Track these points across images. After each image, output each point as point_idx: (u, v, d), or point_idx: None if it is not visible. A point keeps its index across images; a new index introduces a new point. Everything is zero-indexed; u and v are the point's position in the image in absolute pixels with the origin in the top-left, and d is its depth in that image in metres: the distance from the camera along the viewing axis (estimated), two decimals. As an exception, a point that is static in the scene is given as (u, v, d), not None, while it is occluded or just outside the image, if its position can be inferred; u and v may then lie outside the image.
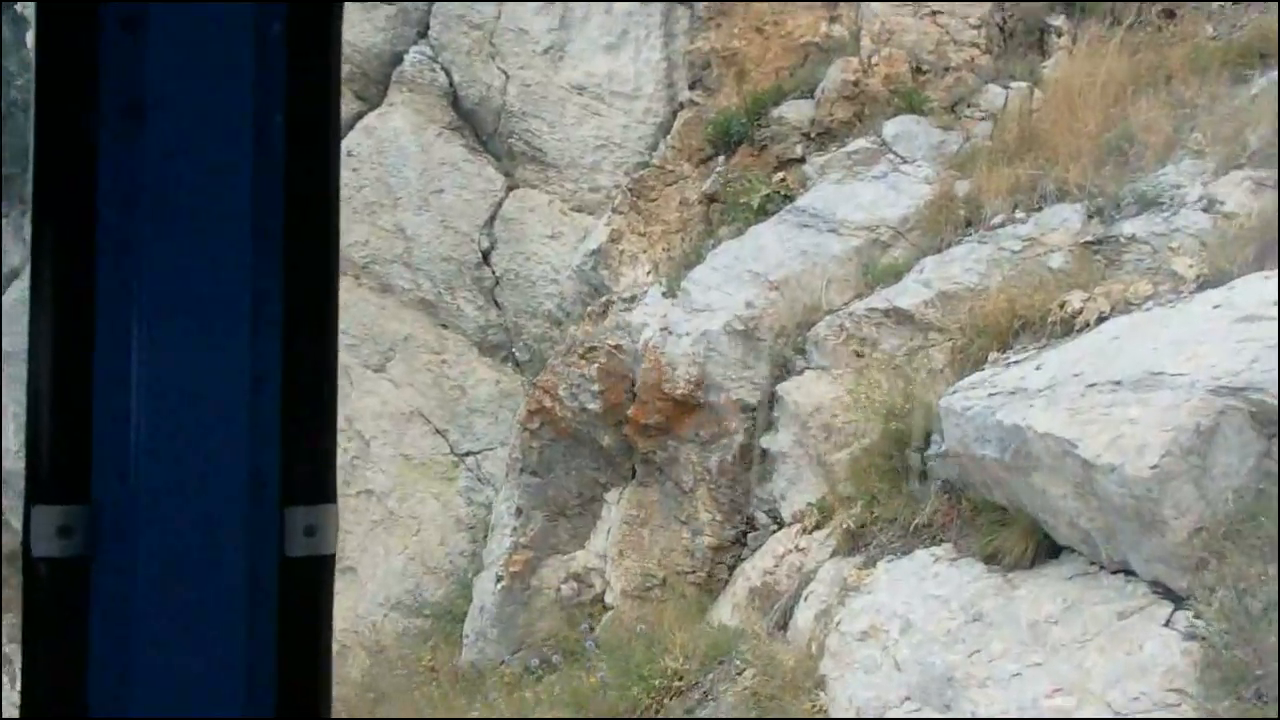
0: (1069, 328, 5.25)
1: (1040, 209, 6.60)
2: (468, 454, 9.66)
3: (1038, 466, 4.14)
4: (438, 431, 9.79)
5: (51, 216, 0.96)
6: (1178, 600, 3.43)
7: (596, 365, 7.37)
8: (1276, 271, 4.36)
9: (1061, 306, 5.30)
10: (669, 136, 8.92)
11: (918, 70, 8.10)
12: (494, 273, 9.72)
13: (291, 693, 1.00)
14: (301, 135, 0.98)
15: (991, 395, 4.75)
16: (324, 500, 1.05)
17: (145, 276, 0.95)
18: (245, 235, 0.96)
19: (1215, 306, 4.28)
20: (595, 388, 7.34)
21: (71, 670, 0.95)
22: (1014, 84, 7.87)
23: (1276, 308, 4.00)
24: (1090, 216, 6.10)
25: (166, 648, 0.96)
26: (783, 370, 6.76)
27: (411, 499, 9.63)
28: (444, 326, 9.90)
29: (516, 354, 9.82)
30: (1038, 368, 4.81)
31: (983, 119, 7.85)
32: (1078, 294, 5.28)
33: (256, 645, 0.98)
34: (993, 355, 5.56)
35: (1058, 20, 8.07)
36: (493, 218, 9.73)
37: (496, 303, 9.77)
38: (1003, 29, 8.26)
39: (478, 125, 9.86)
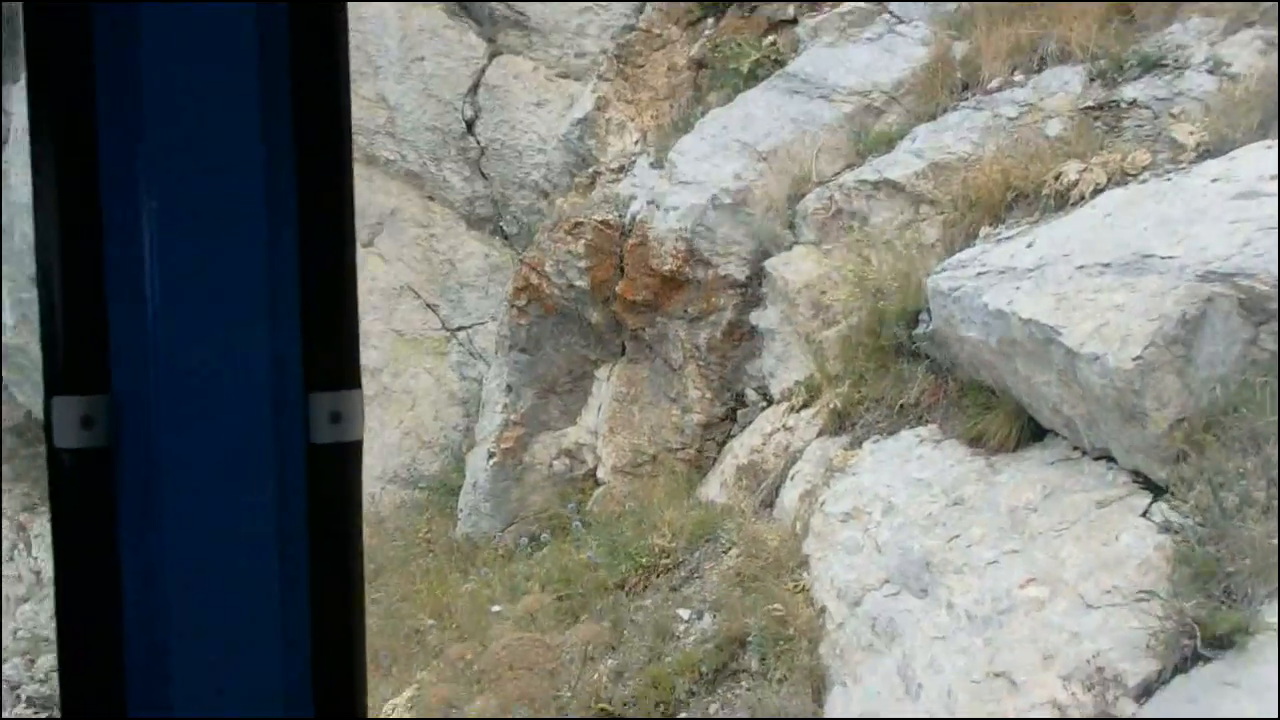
0: (1064, 200, 5.08)
1: (1040, 71, 6.31)
2: (459, 329, 9.61)
3: (1022, 352, 4.05)
4: (428, 306, 9.72)
5: (49, 100, 0.92)
6: (1157, 491, 3.40)
7: (583, 241, 7.21)
8: (1278, 143, 4.17)
9: (1057, 178, 5.11)
10: (655, -2, 8.52)
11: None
12: (479, 143, 9.47)
13: (322, 578, 0.99)
14: (310, 114, 0.96)
15: (980, 275, 4.63)
16: (348, 386, 1.03)
17: (155, 162, 0.92)
18: (257, 124, 0.93)
19: (1213, 180, 4.10)
20: (582, 264, 7.21)
21: (101, 559, 0.94)
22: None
23: (1277, 181, 3.83)
24: (1091, 80, 5.83)
25: (195, 535, 0.95)
26: (771, 245, 6.60)
27: (405, 374, 9.63)
28: (430, 199, 9.71)
29: (505, 227, 9.66)
30: (1029, 245, 4.66)
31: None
32: (1074, 165, 5.08)
33: (287, 532, 0.97)
34: (985, 230, 5.41)
35: None
36: (476, 85, 9.42)
37: (483, 173, 9.55)
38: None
39: (457, -13, 9.43)
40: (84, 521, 0.95)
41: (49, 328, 0.95)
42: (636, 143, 8.28)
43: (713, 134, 7.13)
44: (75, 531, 0.96)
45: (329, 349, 1.02)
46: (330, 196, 1.00)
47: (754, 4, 7.88)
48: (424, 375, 9.66)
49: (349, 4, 1.01)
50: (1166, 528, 3.15)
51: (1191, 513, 3.08)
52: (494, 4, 9.28)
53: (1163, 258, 3.65)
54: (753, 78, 7.48)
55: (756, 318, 6.70)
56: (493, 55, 9.41)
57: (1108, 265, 3.87)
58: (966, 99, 6.57)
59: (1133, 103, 5.46)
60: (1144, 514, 3.31)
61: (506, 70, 9.33)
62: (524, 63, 9.28)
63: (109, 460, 0.95)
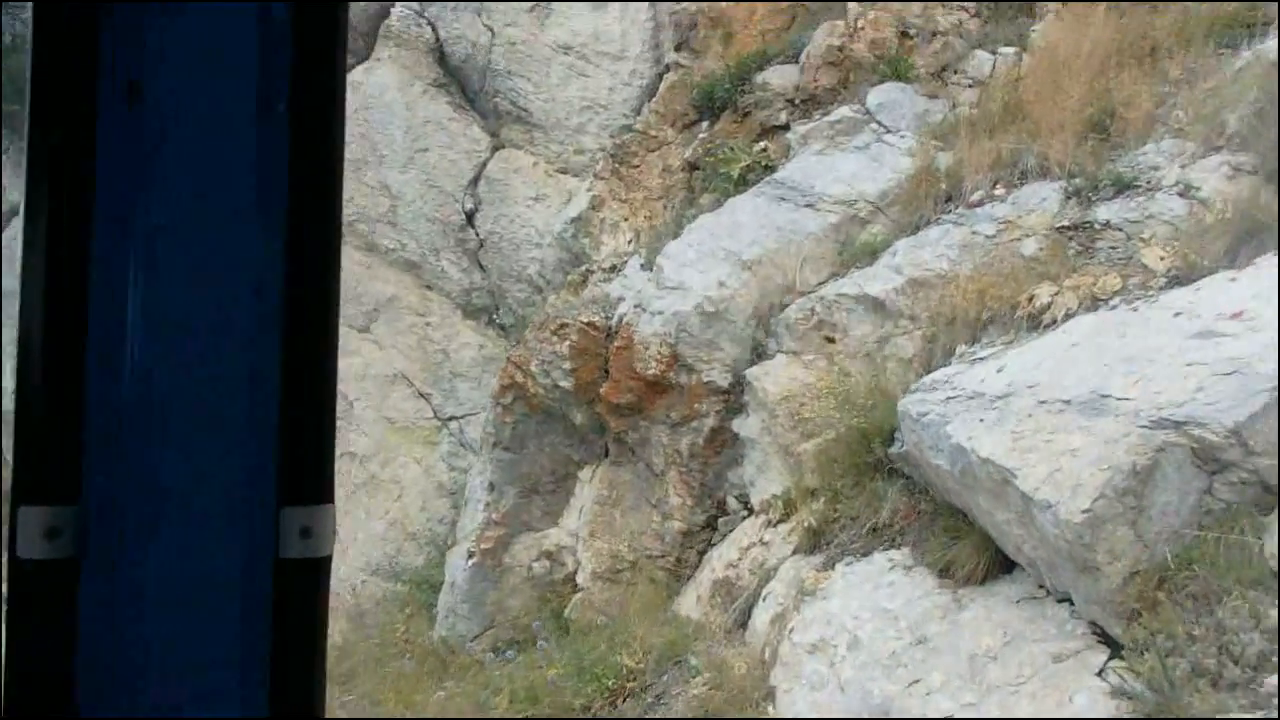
0: (1036, 323, 5.05)
1: (1020, 186, 6.35)
2: (450, 418, 9.60)
3: (983, 488, 3.99)
4: (421, 395, 9.72)
5: (45, 209, 0.90)
6: (1113, 647, 3.30)
7: (568, 342, 7.21)
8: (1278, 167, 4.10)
9: (1030, 300, 5.09)
10: (653, 100, 8.64)
11: (904, 35, 7.77)
12: (478, 234, 9.55)
13: (285, 696, 0.98)
14: (306, 124, 0.93)
15: (949, 399, 4.58)
16: (321, 501, 1.02)
17: (141, 271, 0.91)
18: (247, 229, 0.92)
19: (1175, 314, 4.07)
20: (567, 365, 7.20)
21: (58, 674, 0.92)
22: (1001, 50, 7.54)
23: (1248, 311, 3.79)
24: (1068, 198, 5.85)
25: (158, 651, 0.94)
26: (754, 353, 6.59)
27: (394, 463, 9.60)
28: (428, 288, 9.78)
29: (500, 318, 9.69)
30: (999, 370, 4.62)
31: (969, 86, 7.54)
32: (1046, 287, 5.06)
33: (250, 648, 0.96)
34: (961, 348, 5.38)
35: (1052, -18, 7.67)
36: (477, 178, 9.54)
37: (481, 265, 9.62)
38: (996, -10, 7.88)
39: (464, 82, 9.61)
40: (43, 634, 0.93)
41: (22, 435, 0.93)
42: (630, 242, 8.34)
43: (700, 240, 7.16)
44: (32, 644, 0.93)
45: (304, 463, 1.00)
46: (317, 307, 0.98)
47: (748, 109, 7.98)
48: (413, 465, 9.62)
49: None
50: (1121, 691, 3.05)
51: (1144, 679, 2.98)
52: (498, 99, 9.43)
53: (1119, 399, 3.60)
54: (743, 183, 7.54)
55: (738, 425, 6.65)
56: (495, 149, 9.54)
57: (1068, 402, 3.82)
58: (949, 211, 6.60)
59: (1106, 224, 5.47)
60: (1099, 673, 3.20)
61: (508, 164, 9.45)
62: (525, 157, 9.40)
63: (73, 572, 0.94)
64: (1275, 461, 3.02)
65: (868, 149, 7.30)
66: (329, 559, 1.05)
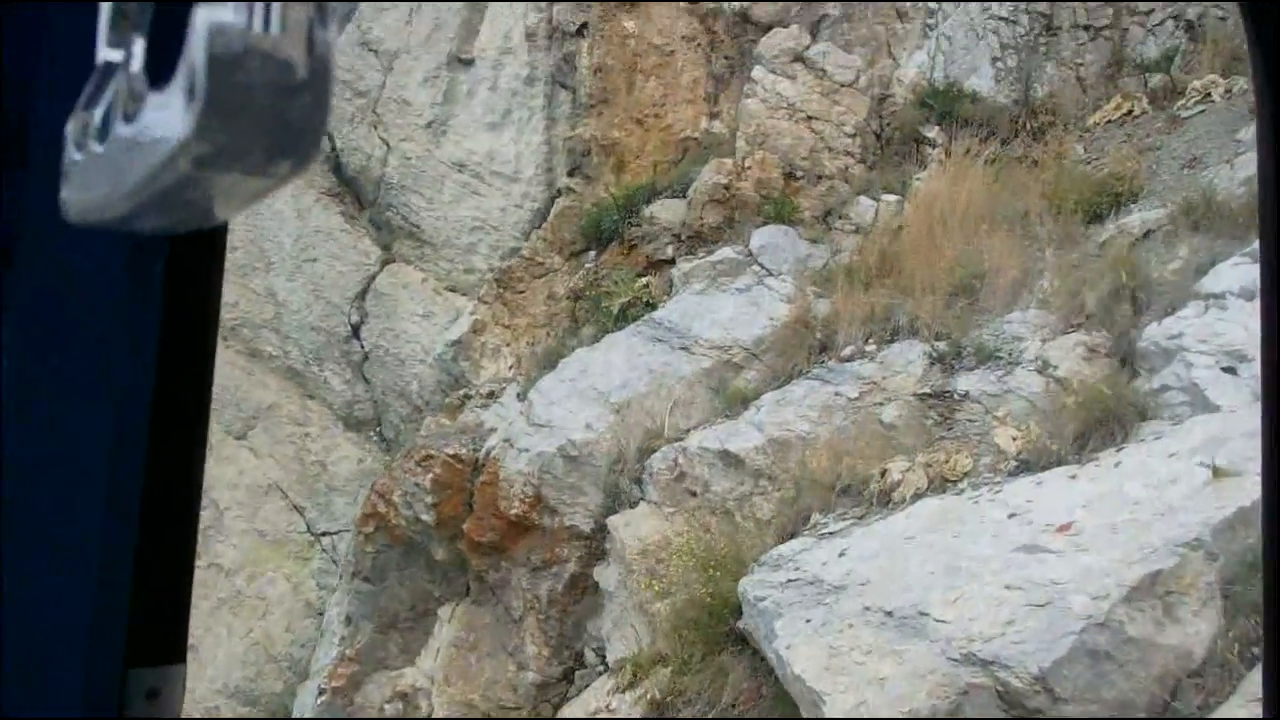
0: (886, 499, 4.90)
1: (890, 343, 6.30)
2: (324, 534, 9.15)
3: (803, 700, 3.74)
4: (295, 508, 9.28)
5: None
6: None
7: (432, 475, 6.93)
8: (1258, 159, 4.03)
9: (883, 475, 4.94)
10: (542, 227, 8.51)
11: (790, 176, 7.77)
12: (363, 347, 9.25)
13: None
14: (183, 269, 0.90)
15: (788, 584, 4.36)
16: (172, 660, 0.98)
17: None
18: (113, 355, 0.89)
19: (1010, 515, 3.91)
20: (430, 498, 6.91)
21: None
22: (885, 197, 7.56)
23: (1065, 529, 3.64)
24: (932, 363, 5.79)
25: None
26: (618, 500, 6.36)
27: (261, 578, 9.11)
28: (310, 398, 9.41)
29: (384, 432, 9.35)
30: (841, 554, 4.43)
31: (852, 232, 7.53)
32: (899, 463, 4.92)
33: None
34: (815, 516, 5.21)
35: (932, 131, 7.75)
36: (365, 291, 9.27)
37: (365, 378, 9.29)
38: (879, 136, 7.94)
39: (358, 194, 9.39)
40: None
41: None
42: (510, 368, 8.12)
43: (573, 376, 6.98)
44: None
45: (157, 622, 0.95)
46: (182, 452, 0.95)
47: (634, 241, 7.88)
48: (282, 581, 9.13)
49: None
50: None
51: None
52: (390, 213, 9.22)
53: (937, 620, 3.41)
54: (623, 318, 7.41)
55: (599, 575, 6.40)
56: (385, 263, 9.29)
57: (890, 614, 3.62)
58: (821, 363, 6.51)
59: (965, 395, 5.39)
60: None
61: (397, 279, 9.20)
62: (414, 273, 9.17)
63: None
64: (1085, 711, 2.82)
65: (748, 291, 7.22)
66: None
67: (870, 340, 6.44)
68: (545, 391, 6.99)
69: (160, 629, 0.96)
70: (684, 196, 7.92)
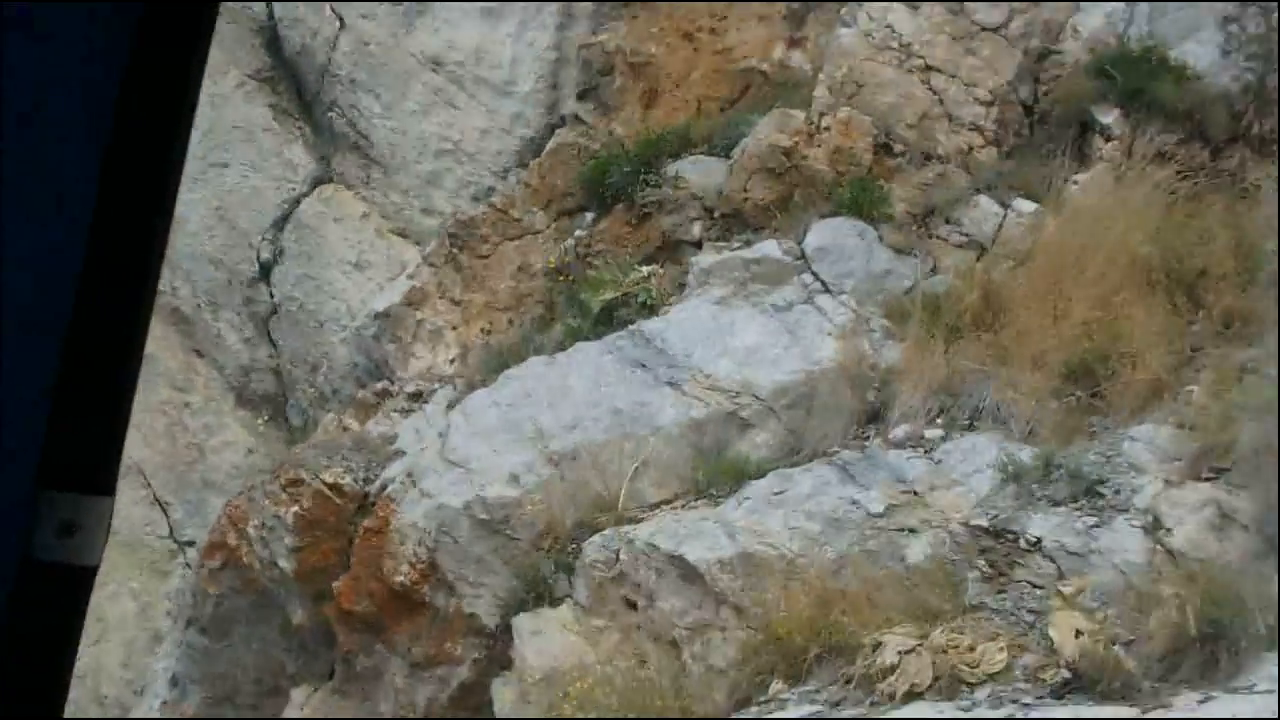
0: (870, 687, 4.56)
1: (964, 431, 5.90)
2: (189, 544, 9.11)
3: None
4: (158, 502, 9.27)
5: None
6: None
7: (298, 508, 6.78)
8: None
9: (875, 650, 4.60)
10: (529, 167, 8.21)
11: (885, 149, 7.30)
12: (273, 296, 9.14)
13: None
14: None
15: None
16: (93, 490, 1.12)
17: None
18: (61, 154, 1.12)
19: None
20: (291, 540, 6.76)
21: None
22: (1018, 203, 7.04)
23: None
24: (1007, 479, 5.35)
25: None
26: (534, 591, 6.16)
27: (102, 590, 9.11)
28: (196, 354, 9.36)
29: (288, 416, 9.26)
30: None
31: (960, 246, 7.05)
32: (901, 637, 4.56)
33: None
34: (775, 685, 4.94)
35: (1110, 115, 7.14)
36: (285, 218, 9.14)
37: (270, 339, 9.20)
38: (1029, 111, 7.38)
39: (295, 83, 9.20)
40: None
41: None
42: (452, 361, 7.90)
43: (511, 400, 6.74)
44: None
45: (80, 445, 1.10)
46: (125, 274, 1.15)
47: (647, 209, 7.51)
48: (127, 598, 9.14)
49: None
50: None
51: None
52: (334, 115, 9.00)
53: None
54: (605, 321, 7.11)
55: (497, 691, 6.19)
56: (316, 183, 9.13)
57: None
58: (862, 440, 6.14)
59: (1035, 544, 5.05)
60: None
61: (329, 208, 9.03)
62: (354, 202, 8.98)
63: None
64: None
65: (788, 311, 6.85)
66: (94, 572, 1.13)
67: (937, 421, 6.07)
68: (472, 414, 6.79)
69: (83, 453, 1.10)
70: (727, 156, 7.55)
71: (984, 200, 7.13)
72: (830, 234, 7.07)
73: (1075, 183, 7.07)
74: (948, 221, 7.17)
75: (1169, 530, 4.86)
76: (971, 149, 7.32)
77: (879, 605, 4.96)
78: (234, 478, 9.16)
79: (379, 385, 7.91)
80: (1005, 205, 7.09)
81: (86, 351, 1.11)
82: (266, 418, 9.32)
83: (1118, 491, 5.16)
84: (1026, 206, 7.03)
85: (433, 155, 8.75)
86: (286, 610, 6.98)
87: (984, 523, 5.23)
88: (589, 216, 7.87)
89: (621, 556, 5.92)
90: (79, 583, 1.12)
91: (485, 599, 6.31)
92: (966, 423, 6.05)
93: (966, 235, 7.09)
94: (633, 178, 7.60)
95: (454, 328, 7.99)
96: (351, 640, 6.73)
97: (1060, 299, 6.24)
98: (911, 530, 5.37)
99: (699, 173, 7.55)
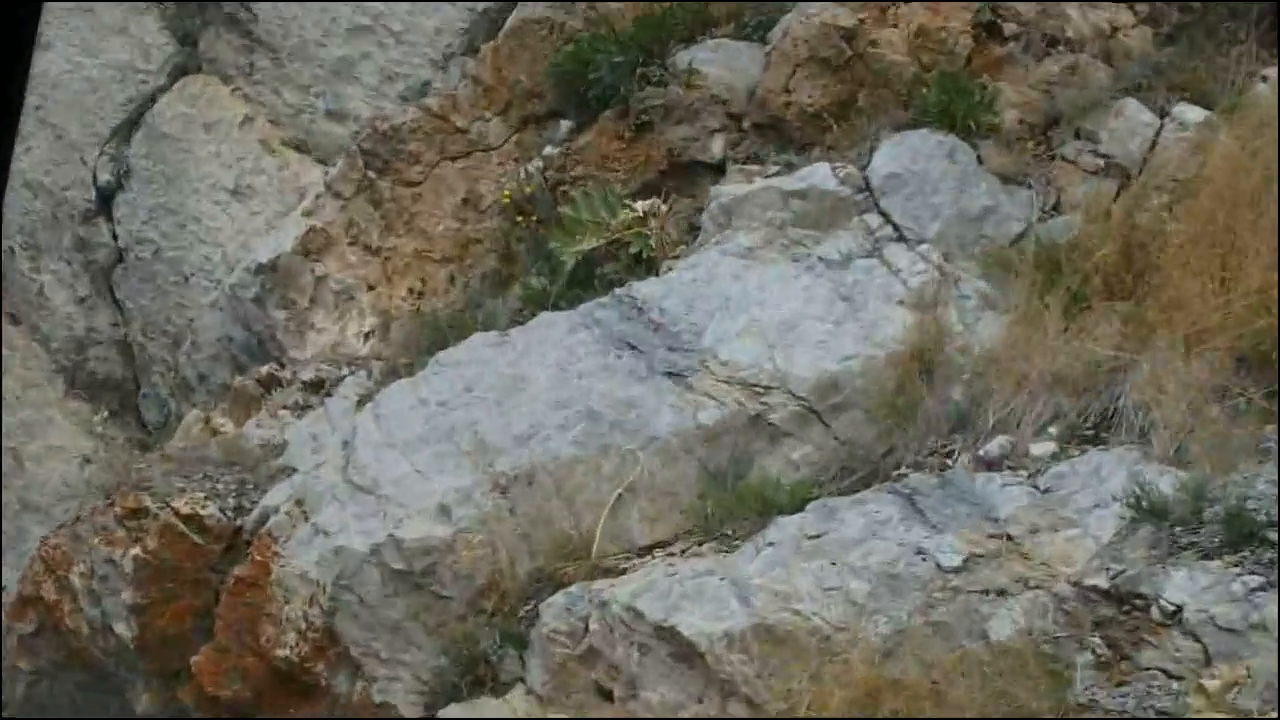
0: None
1: (1084, 445, 6.07)
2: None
3: None
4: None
5: None
6: None
7: (140, 549, 7.02)
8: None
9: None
10: (480, 53, 8.36)
11: (990, 30, 7.44)
12: (116, 238, 9.36)
13: None
14: None
15: None
16: None
17: None
18: None
19: None
20: (127, 598, 6.99)
21: None
22: (1180, 109, 7.16)
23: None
24: (1136, 520, 5.51)
25: None
26: (470, 672, 6.39)
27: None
28: (13, 321, 9.61)
29: (142, 409, 9.51)
30: None
31: (1096, 171, 7.16)
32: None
33: None
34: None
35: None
36: (133, 124, 9.35)
37: (115, 298, 9.44)
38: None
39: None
40: None
41: None
42: (368, 336, 8.12)
43: (444, 394, 6.96)
44: None
45: None
46: None
47: (646, 116, 7.66)
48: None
49: None
50: None
51: None
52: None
53: None
54: (581, 283, 7.29)
55: (421, 812, 6.45)
56: (180, 72, 9.35)
57: None
58: (941, 457, 6.30)
59: (1174, 614, 5.22)
60: None
61: (198, 106, 9.26)
62: (231, 100, 9.20)
63: None
64: None
65: (845, 266, 7.01)
66: None
67: (1049, 430, 6.21)
68: (387, 416, 7.01)
69: None
70: (763, 42, 7.73)
71: (1131, 105, 7.24)
72: (908, 155, 7.21)
73: (1264, 79, 7.15)
74: (1078, 136, 7.30)
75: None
76: (1116, 31, 7.47)
77: (947, 702, 5.07)
78: (64, 498, 9.43)
79: (263, 370, 8.13)
80: (1162, 113, 7.19)
81: None
82: (109, 412, 9.55)
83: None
84: (1192, 114, 7.12)
85: (343, 35, 8.94)
86: (126, 695, 7.23)
87: (1103, 582, 5.29)
88: (564, 127, 8.04)
89: (592, 626, 6.05)
90: None
91: (403, 682, 6.52)
92: (1090, 433, 6.13)
93: (1105, 156, 7.20)
94: (626, 72, 7.79)
95: (370, 287, 8.23)
96: (219, 737, 6.96)
97: (1233, 253, 6.32)
98: (1000, 593, 5.44)
99: (721, 65, 7.74)
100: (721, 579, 5.88)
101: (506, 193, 7.87)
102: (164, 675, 7.11)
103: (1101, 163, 7.19)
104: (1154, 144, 7.14)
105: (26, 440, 9.56)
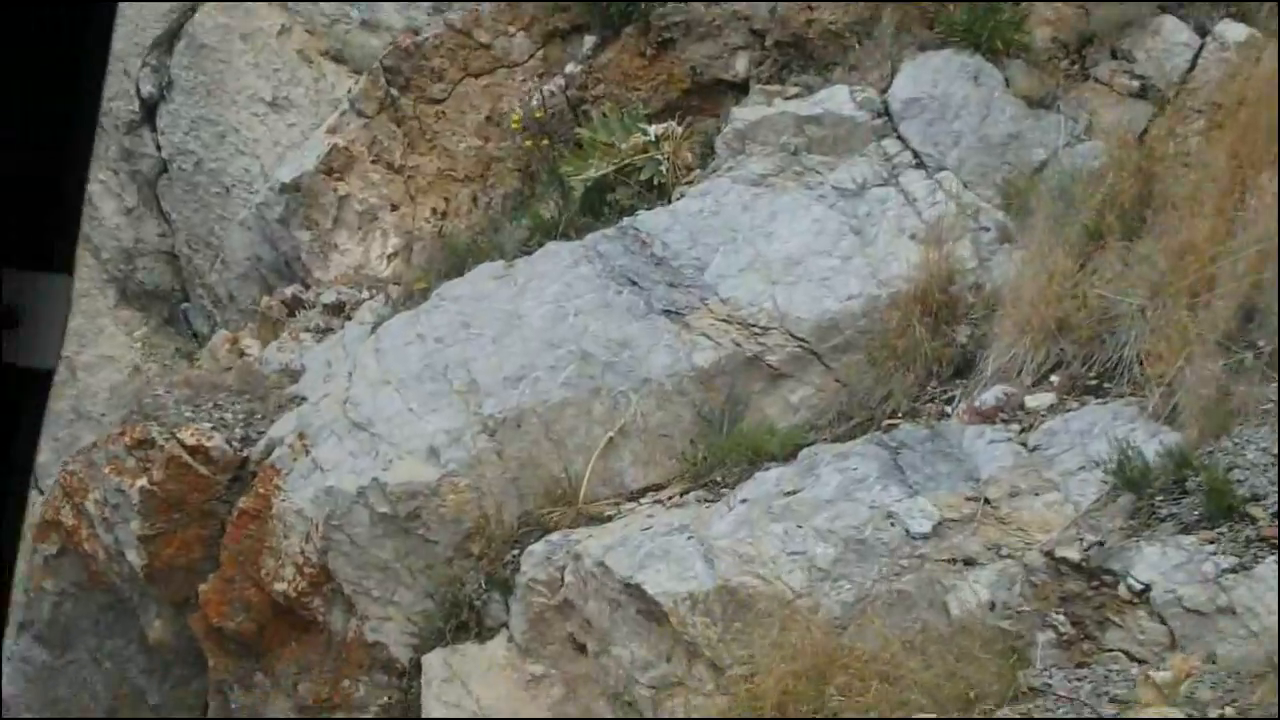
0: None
1: (1076, 405, 5.84)
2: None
3: None
4: None
5: None
6: None
7: (146, 480, 7.01)
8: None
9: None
10: (505, -36, 8.20)
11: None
12: (159, 149, 9.35)
13: None
14: None
15: None
16: (45, 266, 1.40)
17: None
18: None
19: None
20: (138, 525, 7.03)
21: None
22: (1227, 28, 6.90)
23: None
24: (1118, 488, 5.30)
25: None
26: (455, 616, 6.36)
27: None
28: (64, 229, 9.65)
29: (191, 316, 9.55)
30: None
31: (1133, 95, 6.98)
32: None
33: None
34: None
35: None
36: (174, 35, 9.29)
37: (161, 208, 9.44)
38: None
39: None
40: None
41: None
42: (392, 257, 8.05)
43: (442, 329, 6.87)
44: None
45: (26, 216, 1.40)
46: None
47: (669, 34, 7.48)
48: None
49: None
50: None
51: None
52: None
53: None
54: (592, 210, 7.16)
55: (411, 747, 6.47)
56: (220, -17, 9.26)
57: None
58: (937, 403, 6.19)
59: (1142, 592, 5.04)
60: None
61: (234, 19, 9.15)
62: (269, 10, 9.09)
63: None
64: None
65: (859, 195, 6.90)
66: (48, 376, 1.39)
67: (1050, 379, 6.04)
68: (386, 351, 6.97)
69: (29, 225, 1.33)
70: None
71: (1169, 23, 7.04)
72: (930, 77, 7.07)
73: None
74: (1114, 56, 7.09)
75: (1334, 584, 4.69)
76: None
77: (898, 678, 4.94)
78: (115, 408, 9.48)
79: (288, 291, 8.09)
80: (1203, 31, 6.98)
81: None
82: (159, 321, 9.59)
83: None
84: (1235, 33, 6.90)
85: (385, -65, 8.80)
86: (143, 619, 7.28)
87: (1074, 554, 5.13)
88: (588, 43, 7.88)
89: (567, 578, 6.01)
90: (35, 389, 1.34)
91: (395, 623, 6.52)
92: (1094, 382, 5.96)
93: (1141, 78, 7.01)
94: (650, -14, 7.63)
95: (394, 207, 8.15)
96: (224, 666, 7.02)
97: (1255, 190, 6.04)
98: (968, 562, 5.32)
99: (744, -18, 7.56)
100: (689, 538, 5.80)
101: (515, 117, 7.74)
102: (174, 603, 7.14)
103: (1137, 85, 6.97)
104: (1193, 64, 6.91)
105: (79, 349, 9.59)
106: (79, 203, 1.50)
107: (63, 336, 1.35)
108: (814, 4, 7.30)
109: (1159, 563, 5.01)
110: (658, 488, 6.37)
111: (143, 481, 7.06)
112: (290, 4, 9.04)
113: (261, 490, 6.87)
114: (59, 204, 1.44)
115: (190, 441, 7.06)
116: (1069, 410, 5.86)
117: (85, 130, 1.54)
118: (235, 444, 7.08)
